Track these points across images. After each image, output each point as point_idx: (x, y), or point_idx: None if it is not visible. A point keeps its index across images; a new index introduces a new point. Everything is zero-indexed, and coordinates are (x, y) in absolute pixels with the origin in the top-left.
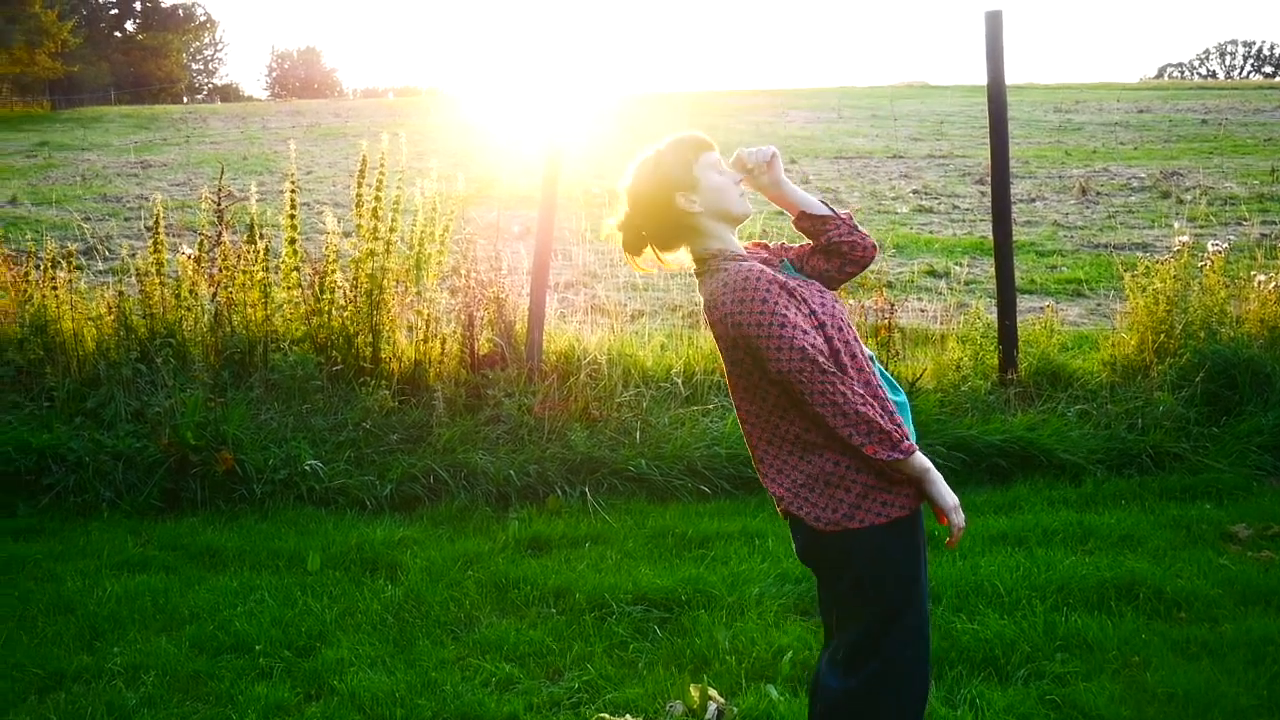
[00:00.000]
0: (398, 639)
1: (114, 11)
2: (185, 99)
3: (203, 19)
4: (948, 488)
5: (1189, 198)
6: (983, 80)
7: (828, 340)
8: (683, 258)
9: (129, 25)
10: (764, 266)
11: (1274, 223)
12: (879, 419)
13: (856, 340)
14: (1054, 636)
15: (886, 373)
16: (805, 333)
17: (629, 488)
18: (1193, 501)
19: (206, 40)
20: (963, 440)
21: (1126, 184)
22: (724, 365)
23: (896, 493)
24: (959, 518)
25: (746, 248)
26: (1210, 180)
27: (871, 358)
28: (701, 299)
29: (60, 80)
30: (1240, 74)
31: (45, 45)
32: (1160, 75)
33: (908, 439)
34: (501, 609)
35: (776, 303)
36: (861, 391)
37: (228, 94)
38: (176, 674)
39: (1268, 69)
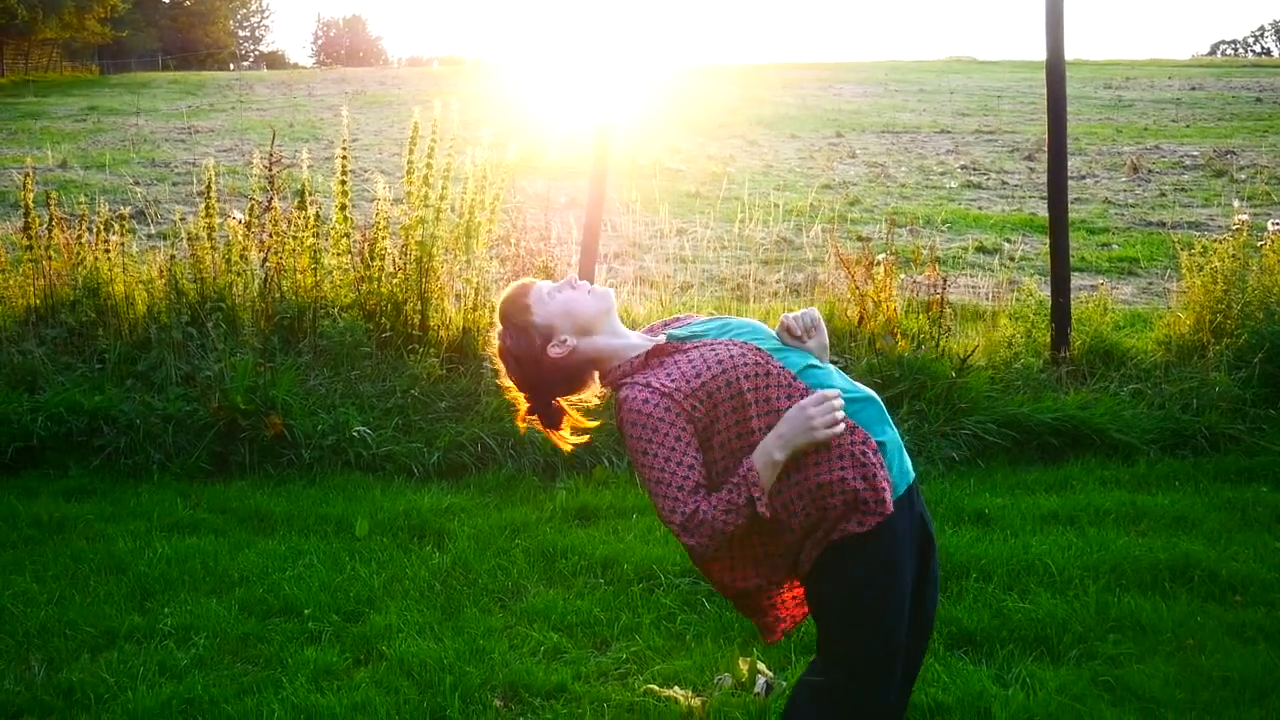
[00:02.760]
0: (445, 606)
1: None
2: (232, 65)
3: None
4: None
5: (1243, 176)
6: (1031, 55)
7: (733, 406)
8: (595, 387)
9: None
10: (645, 387)
11: None
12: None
13: (779, 384)
14: (1106, 617)
15: (872, 398)
16: (672, 480)
17: None
18: (1248, 484)
19: (253, 7)
20: (1014, 418)
21: (1179, 162)
22: None
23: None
24: (823, 407)
25: (642, 333)
26: (1266, 159)
27: (861, 404)
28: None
29: (109, 45)
30: None
31: (95, 10)
32: (1213, 52)
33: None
34: (549, 578)
35: (657, 452)
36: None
37: (274, 61)
38: (226, 635)
39: None
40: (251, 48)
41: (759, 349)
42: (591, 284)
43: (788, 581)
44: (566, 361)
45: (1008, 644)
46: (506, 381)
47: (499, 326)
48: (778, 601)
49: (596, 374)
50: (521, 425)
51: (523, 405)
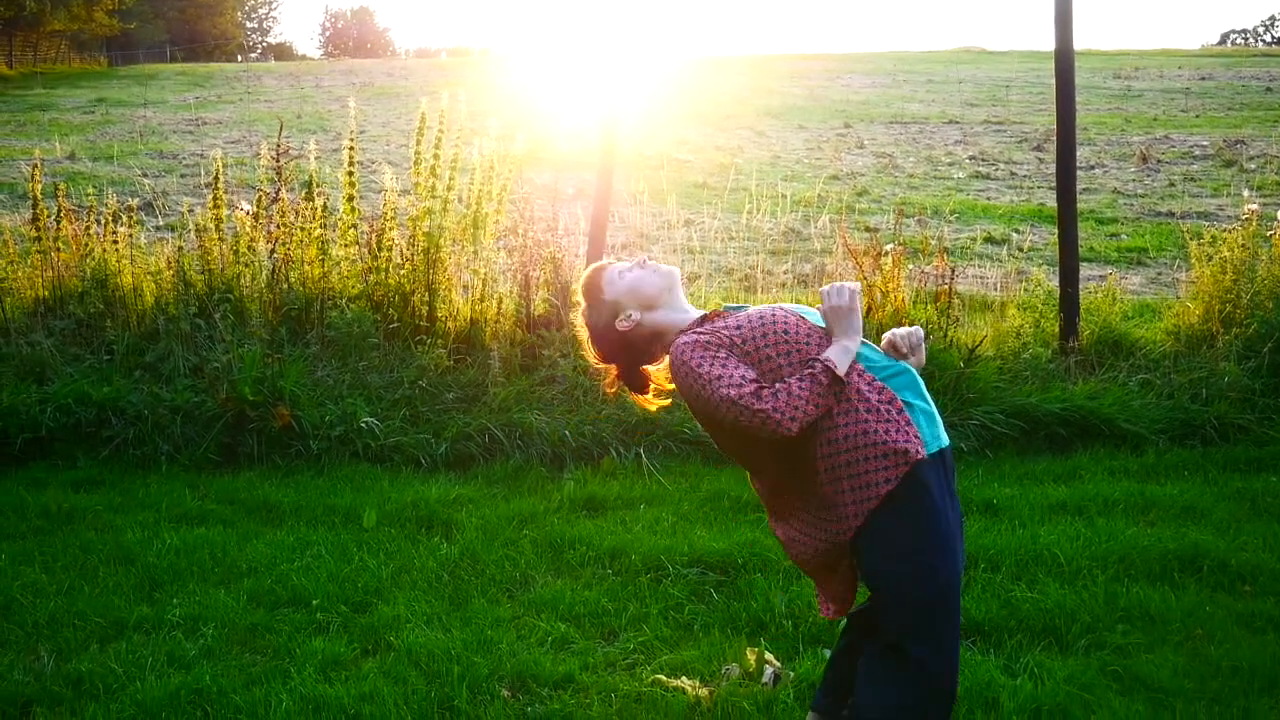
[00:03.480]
0: (453, 597)
1: None
2: (239, 57)
3: None
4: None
5: (1253, 166)
6: (1040, 45)
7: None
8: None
9: None
10: (689, 336)
11: None
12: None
13: (814, 336)
14: (1115, 607)
15: (912, 377)
16: (729, 378)
17: (684, 450)
18: (1258, 474)
19: None
20: (1022, 408)
21: (1188, 152)
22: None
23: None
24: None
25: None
26: (1275, 149)
27: (892, 371)
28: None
29: (117, 37)
30: None
31: (103, 2)
32: (1223, 42)
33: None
34: (557, 569)
35: (709, 369)
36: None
37: (281, 53)
38: (235, 626)
39: None
40: (259, 39)
41: (802, 316)
42: (657, 263)
43: (834, 551)
44: (634, 334)
45: (1016, 634)
46: (590, 353)
47: (580, 304)
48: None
49: (661, 348)
50: (611, 390)
51: (611, 372)
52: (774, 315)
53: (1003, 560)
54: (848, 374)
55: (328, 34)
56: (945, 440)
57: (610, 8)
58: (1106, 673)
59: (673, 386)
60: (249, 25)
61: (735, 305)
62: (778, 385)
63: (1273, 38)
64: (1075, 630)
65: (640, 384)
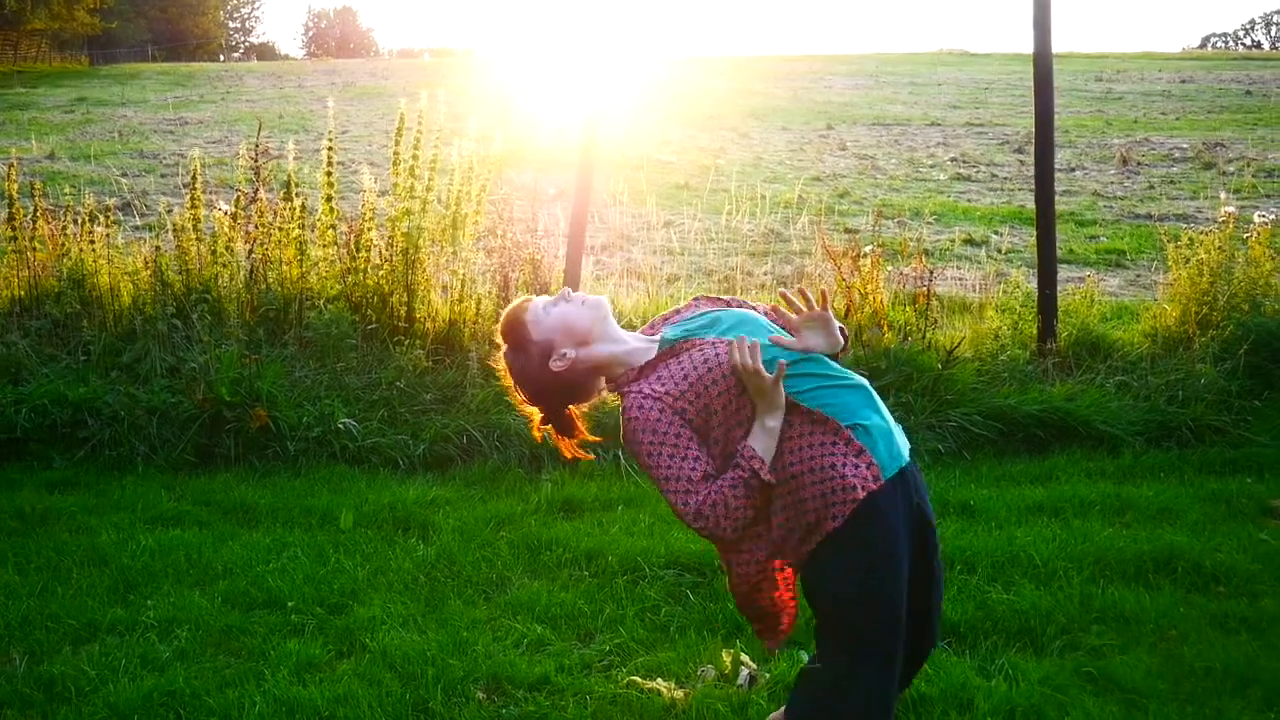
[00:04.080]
0: (429, 598)
1: None
2: (222, 57)
3: None
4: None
5: (1232, 169)
6: (1022, 48)
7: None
8: (603, 391)
9: None
10: (640, 394)
11: None
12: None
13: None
14: (1090, 608)
15: (867, 392)
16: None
17: None
18: (1233, 475)
19: None
20: (1000, 410)
21: (1168, 154)
22: None
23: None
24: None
25: (641, 331)
26: (1254, 152)
27: (841, 383)
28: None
29: (98, 36)
30: None
31: (84, 1)
32: (1203, 45)
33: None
34: (533, 570)
35: (661, 451)
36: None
37: (264, 53)
38: (209, 628)
39: None
40: (241, 39)
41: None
42: (583, 294)
43: (783, 566)
44: (569, 374)
45: (991, 635)
46: (517, 397)
47: (502, 346)
48: (778, 599)
49: (603, 379)
50: (537, 434)
51: (536, 417)
52: (719, 359)
53: (979, 562)
54: (788, 413)
55: (311, 34)
56: (905, 456)
57: (593, 9)
58: (1081, 674)
59: (596, 439)
60: (231, 25)
61: (675, 323)
62: (714, 495)
63: (1252, 41)
64: (1050, 631)
65: (568, 428)
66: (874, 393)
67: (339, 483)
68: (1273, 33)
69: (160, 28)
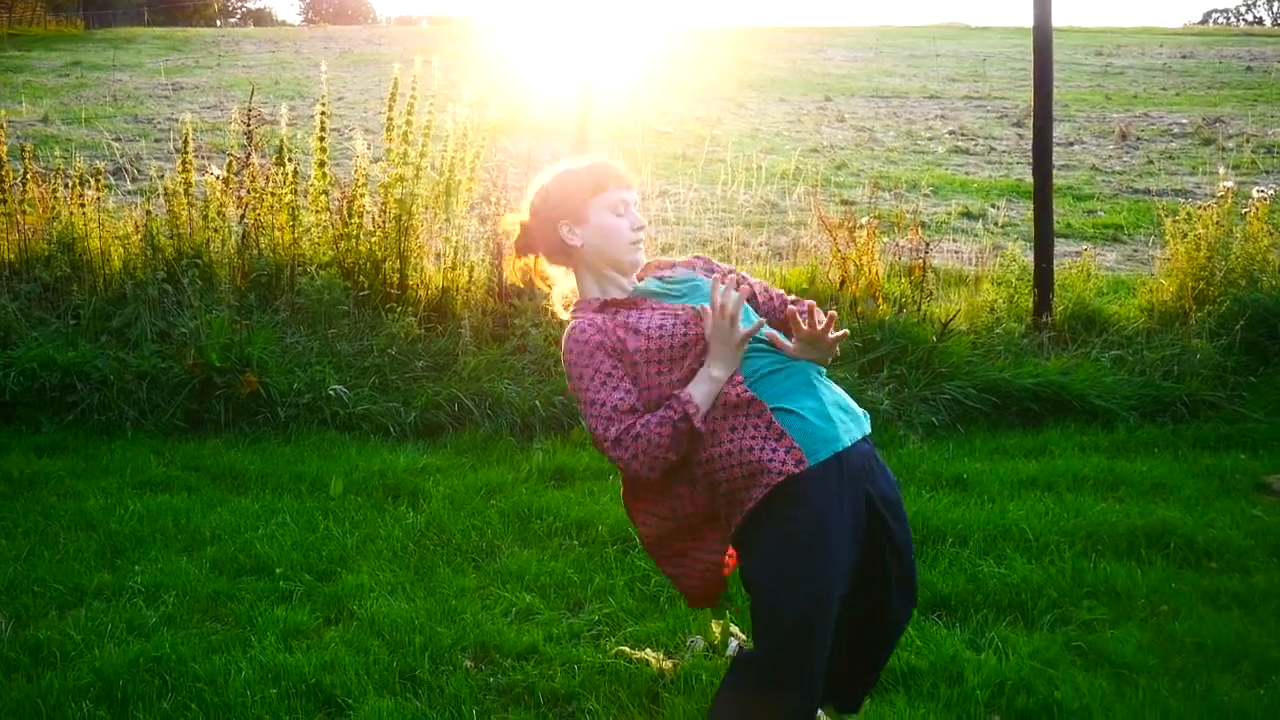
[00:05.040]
0: (418, 566)
1: None
2: (218, 22)
3: None
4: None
5: (1231, 145)
6: (1022, 21)
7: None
8: (563, 281)
9: None
10: (586, 319)
11: None
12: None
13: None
14: (1082, 583)
15: (805, 376)
16: (599, 407)
17: None
18: (1227, 451)
19: None
20: (994, 383)
21: (1167, 130)
22: None
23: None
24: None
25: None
26: (1254, 128)
27: (771, 369)
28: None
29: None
30: None
31: None
32: (1205, 20)
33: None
34: (523, 539)
35: (593, 375)
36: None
37: (261, 18)
38: (196, 594)
39: None
40: (238, 4)
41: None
42: (643, 242)
43: (708, 536)
44: (563, 242)
45: (982, 609)
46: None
47: (561, 169)
48: (696, 558)
49: (568, 275)
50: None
51: (515, 230)
52: (661, 329)
53: (970, 535)
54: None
55: (308, 0)
56: (845, 441)
57: None
58: (1071, 648)
59: (545, 286)
60: None
61: (662, 274)
62: (638, 427)
63: (1254, 16)
64: (1041, 605)
65: (530, 247)
66: (817, 377)
67: (329, 449)
68: (1274, 8)
69: None
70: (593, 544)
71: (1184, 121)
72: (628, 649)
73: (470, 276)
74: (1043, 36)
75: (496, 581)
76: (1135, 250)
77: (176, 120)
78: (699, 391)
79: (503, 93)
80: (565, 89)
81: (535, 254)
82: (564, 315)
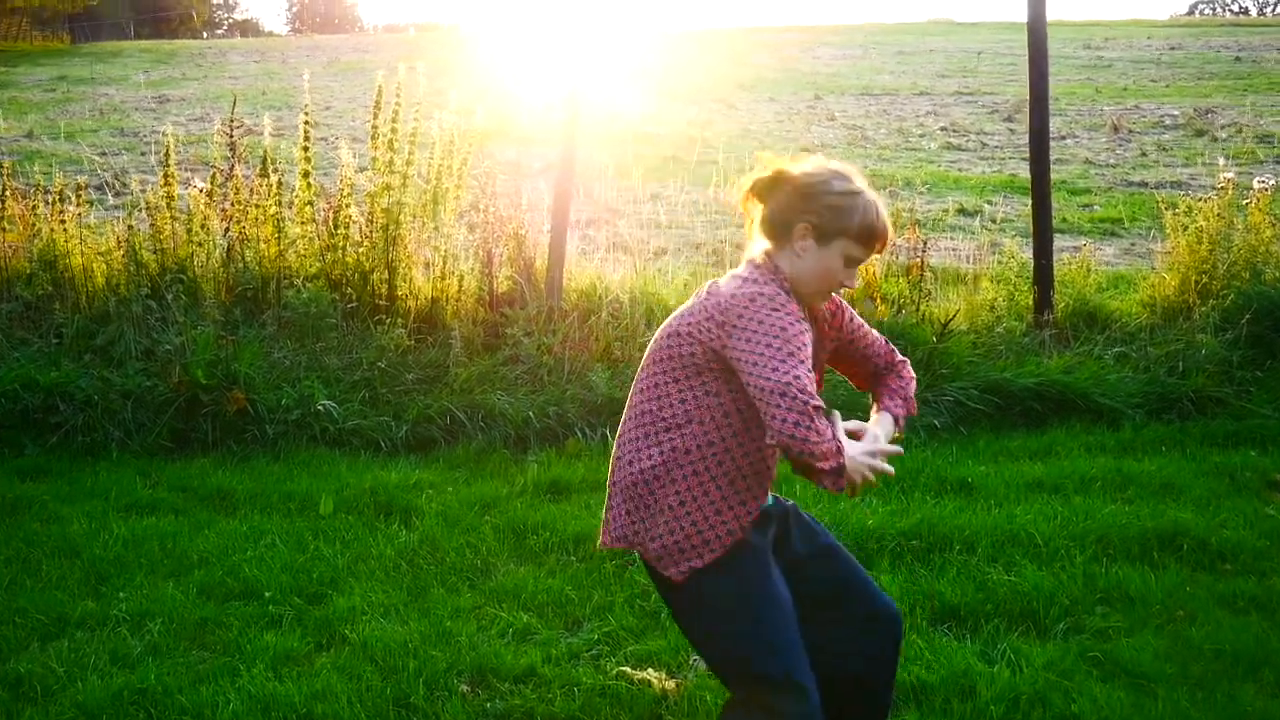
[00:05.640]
0: (411, 587)
1: None
2: (205, 34)
3: None
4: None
5: (1224, 135)
6: (1009, 16)
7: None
8: (756, 238)
9: None
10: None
11: None
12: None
13: None
14: (1094, 589)
15: None
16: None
17: None
18: (1236, 448)
19: None
20: (996, 383)
21: (1159, 121)
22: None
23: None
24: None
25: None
26: (1246, 118)
27: None
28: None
29: (80, 14)
30: (1273, 10)
31: None
32: (1191, 12)
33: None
34: (519, 556)
35: (775, 323)
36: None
37: (248, 29)
38: (183, 621)
39: None
40: (225, 15)
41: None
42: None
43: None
44: (788, 227)
45: (993, 618)
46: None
47: (854, 182)
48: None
49: (763, 238)
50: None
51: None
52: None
53: (978, 541)
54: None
55: (294, 10)
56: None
57: None
58: (1086, 658)
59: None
60: (215, 1)
61: None
62: (823, 426)
63: (1240, 7)
64: (1054, 613)
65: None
66: None
67: (319, 466)
68: None
69: (143, 4)
70: (590, 559)
71: (1175, 113)
72: (629, 669)
73: (460, 286)
74: (1037, 34)
75: (492, 601)
76: (1133, 244)
77: (164, 133)
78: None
79: (490, 99)
80: (553, 94)
81: (762, 203)
82: (756, 248)
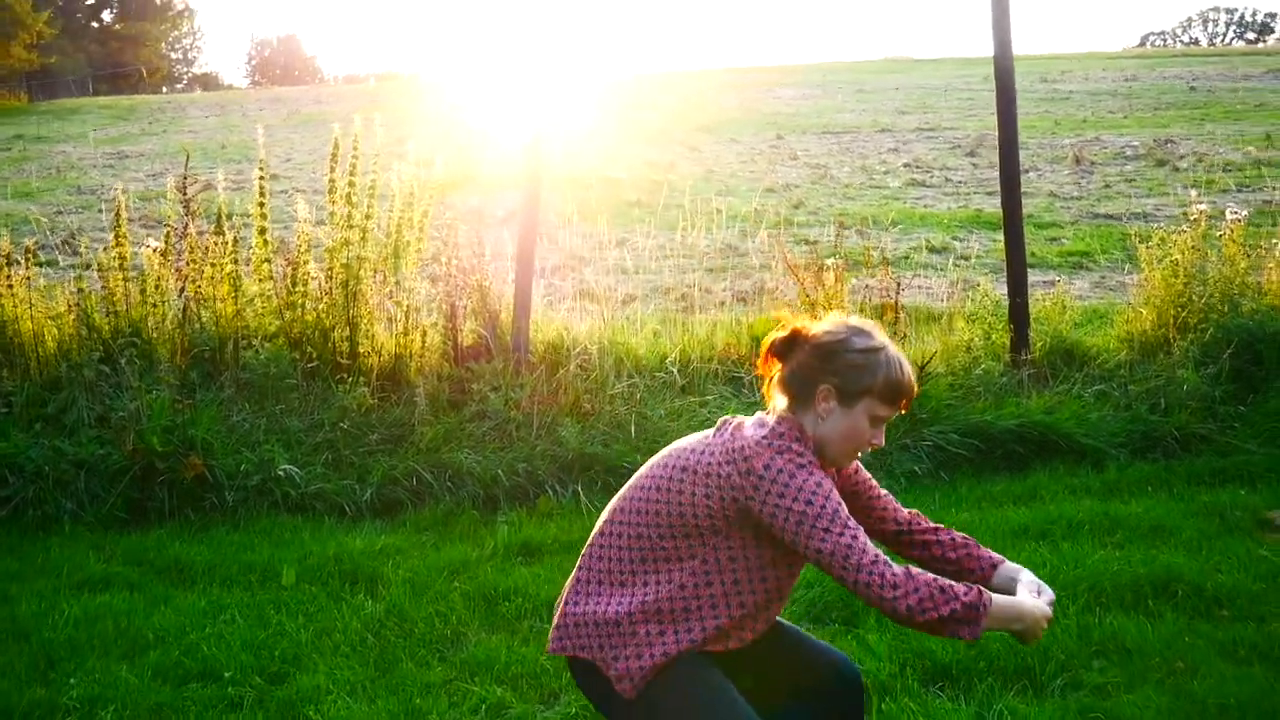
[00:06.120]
0: (379, 661)
1: (90, 2)
2: (165, 89)
3: (180, 7)
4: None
5: (1184, 165)
6: (967, 52)
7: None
8: (776, 396)
9: (105, 15)
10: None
11: (1274, 188)
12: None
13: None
14: (1089, 641)
15: None
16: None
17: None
18: (1223, 486)
19: (185, 29)
20: (977, 426)
21: (1120, 152)
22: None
23: None
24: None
25: None
26: (1204, 147)
27: None
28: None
29: (37, 72)
30: (1223, 41)
31: (20, 37)
32: (1143, 43)
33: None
34: (491, 624)
35: (805, 484)
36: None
37: (207, 83)
38: (137, 707)
39: (1250, 35)
40: (184, 70)
41: None
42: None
43: None
44: (810, 390)
45: (987, 677)
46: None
47: (873, 339)
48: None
49: (784, 397)
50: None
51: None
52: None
53: None
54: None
55: (254, 63)
56: None
57: (536, 29)
58: (1087, 717)
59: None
60: (173, 56)
61: None
62: (908, 571)
63: (1190, 38)
64: (1050, 669)
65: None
66: None
67: (280, 534)
68: (1208, 29)
69: (101, 61)
70: None
71: (1136, 144)
72: None
73: (424, 341)
74: (1004, 69)
75: (464, 674)
76: (1104, 277)
77: (123, 190)
78: (1000, 600)
79: (452, 148)
80: (515, 141)
81: (780, 362)
82: (772, 413)
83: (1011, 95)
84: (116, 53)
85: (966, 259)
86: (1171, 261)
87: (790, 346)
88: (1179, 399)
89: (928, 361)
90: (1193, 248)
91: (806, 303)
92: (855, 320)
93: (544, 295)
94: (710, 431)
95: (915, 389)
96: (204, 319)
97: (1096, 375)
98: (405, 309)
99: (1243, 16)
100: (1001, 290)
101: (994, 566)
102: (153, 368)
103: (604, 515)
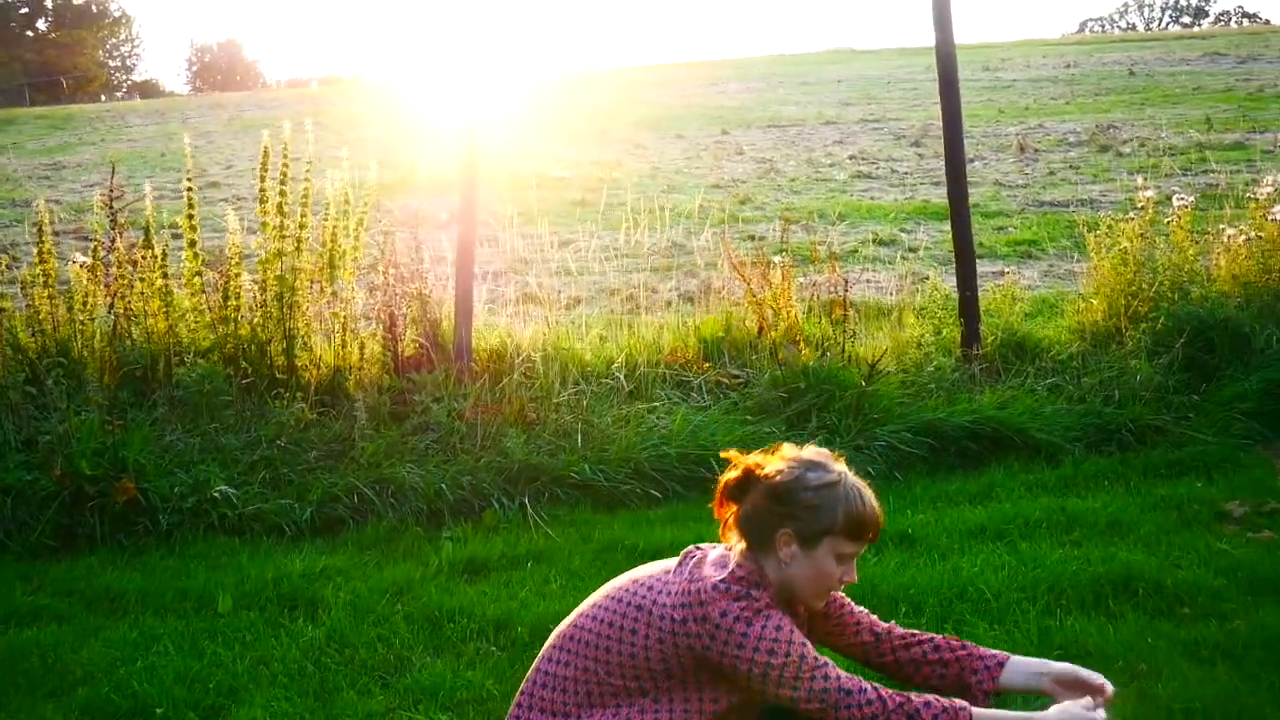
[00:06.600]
0: (318, 691)
1: (24, 10)
2: (103, 97)
3: (118, 14)
4: None
5: (1127, 150)
6: (908, 42)
7: None
8: (734, 539)
9: (40, 24)
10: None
11: (1216, 171)
12: None
13: None
14: (1050, 644)
15: None
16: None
17: (572, 496)
18: (1180, 478)
19: (123, 36)
20: (929, 424)
21: (1063, 139)
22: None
23: None
24: None
25: None
26: (1146, 131)
27: None
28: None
29: None
30: (1159, 25)
31: None
32: (1081, 29)
33: None
34: (436, 647)
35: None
36: None
37: (147, 90)
38: None
39: (1185, 19)
40: (123, 77)
41: None
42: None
43: None
44: (772, 537)
45: None
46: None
47: (830, 473)
48: None
49: (740, 545)
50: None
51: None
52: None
53: (925, 601)
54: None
55: (195, 69)
56: None
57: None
58: None
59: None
60: (112, 64)
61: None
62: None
63: (1128, 23)
64: None
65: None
66: None
67: (217, 558)
68: (1145, 14)
69: (36, 70)
70: (513, 646)
71: (1078, 130)
72: None
73: (363, 353)
74: (947, 59)
75: (407, 701)
76: (1052, 265)
77: (59, 201)
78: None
79: (392, 150)
80: (454, 141)
81: (734, 505)
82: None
83: (954, 84)
84: (53, 61)
85: (915, 251)
86: (1120, 250)
87: (743, 488)
88: (1132, 390)
89: (878, 360)
90: (1141, 235)
91: (753, 301)
92: (808, 453)
93: (486, 301)
94: (673, 562)
95: (881, 520)
96: (134, 335)
97: (1049, 368)
98: (343, 320)
99: (1178, 0)
100: (951, 283)
101: (1000, 665)
102: (81, 388)
103: (551, 639)
